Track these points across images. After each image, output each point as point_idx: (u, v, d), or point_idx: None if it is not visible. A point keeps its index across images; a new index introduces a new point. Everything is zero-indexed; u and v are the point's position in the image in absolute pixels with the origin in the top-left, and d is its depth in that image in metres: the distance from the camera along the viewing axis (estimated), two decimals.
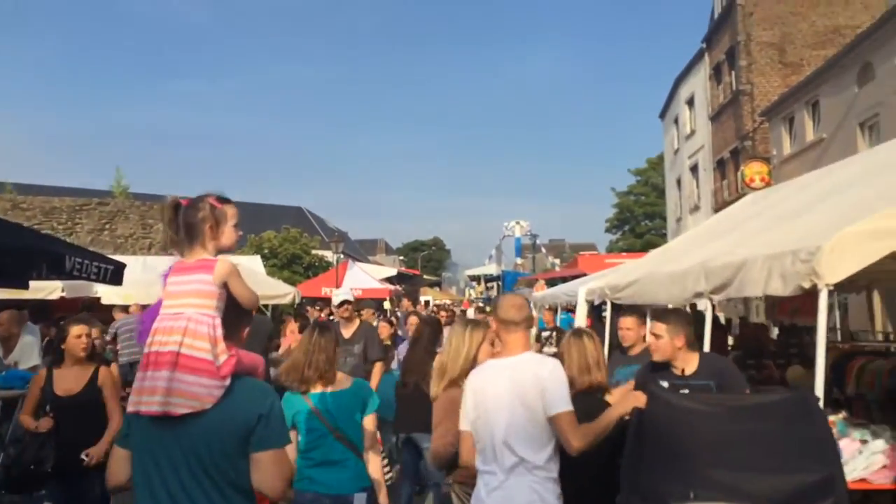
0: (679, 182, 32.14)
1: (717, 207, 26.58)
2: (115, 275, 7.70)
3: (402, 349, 7.84)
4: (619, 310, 11.01)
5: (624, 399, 3.61)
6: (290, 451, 3.38)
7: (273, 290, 16.22)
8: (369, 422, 3.98)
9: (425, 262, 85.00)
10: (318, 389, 3.86)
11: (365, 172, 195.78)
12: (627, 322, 6.14)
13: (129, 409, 2.31)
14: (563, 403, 3.23)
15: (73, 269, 6.80)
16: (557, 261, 68.34)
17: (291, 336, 9.18)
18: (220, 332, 2.32)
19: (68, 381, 4.82)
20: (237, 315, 2.46)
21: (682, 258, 7.57)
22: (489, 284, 56.57)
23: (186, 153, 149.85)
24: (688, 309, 10.41)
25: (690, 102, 30.13)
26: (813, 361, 10.19)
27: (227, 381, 2.29)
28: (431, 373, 4.37)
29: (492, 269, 57.70)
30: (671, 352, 4.18)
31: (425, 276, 60.19)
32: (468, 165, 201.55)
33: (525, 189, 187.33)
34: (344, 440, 3.81)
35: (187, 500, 2.27)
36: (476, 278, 59.56)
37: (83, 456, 4.60)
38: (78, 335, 4.85)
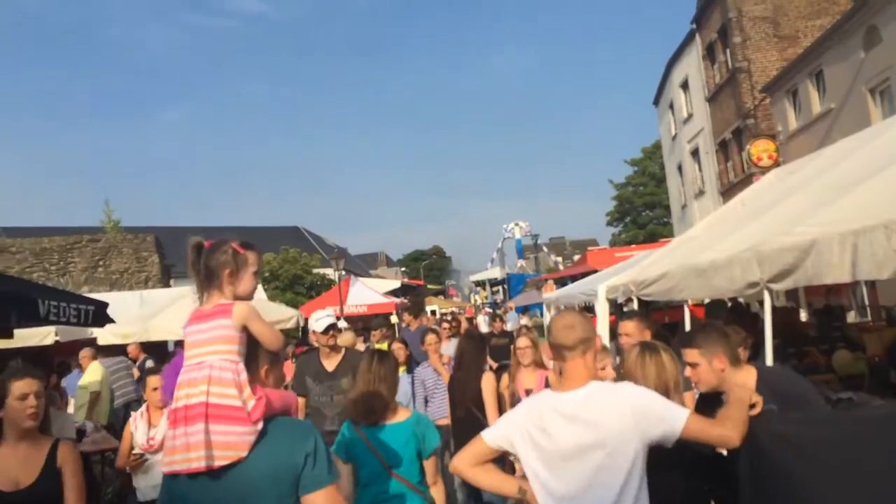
0: (680, 168, 31.46)
1: (724, 190, 25.92)
2: (97, 316, 7.03)
3: (426, 374, 7.09)
4: (647, 307, 10.32)
5: (738, 389, 2.94)
6: (345, 478, 3.48)
7: (275, 314, 15.54)
8: (429, 464, 3.72)
9: (427, 271, 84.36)
10: (374, 422, 3.68)
11: (357, 186, 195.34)
12: (628, 327, 5.15)
13: (165, 470, 2.22)
14: (678, 410, 2.62)
15: (48, 313, 6.14)
16: (560, 259, 67.85)
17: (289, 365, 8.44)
18: (244, 376, 2.26)
19: (11, 467, 3.23)
20: (261, 356, 2.40)
21: (718, 245, 6.87)
22: (494, 288, 56.04)
23: (175, 182, 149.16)
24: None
25: (685, 86, 29.47)
26: (857, 345, 9.47)
27: (260, 426, 2.22)
28: (485, 394, 3.82)
29: (495, 272, 57.20)
30: (716, 378, 3.33)
31: (429, 286, 59.55)
32: (460, 170, 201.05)
33: (521, 190, 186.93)
34: (400, 478, 3.61)
35: None
36: (481, 283, 59.03)
37: None
38: (22, 395, 3.28)
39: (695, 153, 29.14)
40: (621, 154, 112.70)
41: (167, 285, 23.73)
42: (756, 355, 5.71)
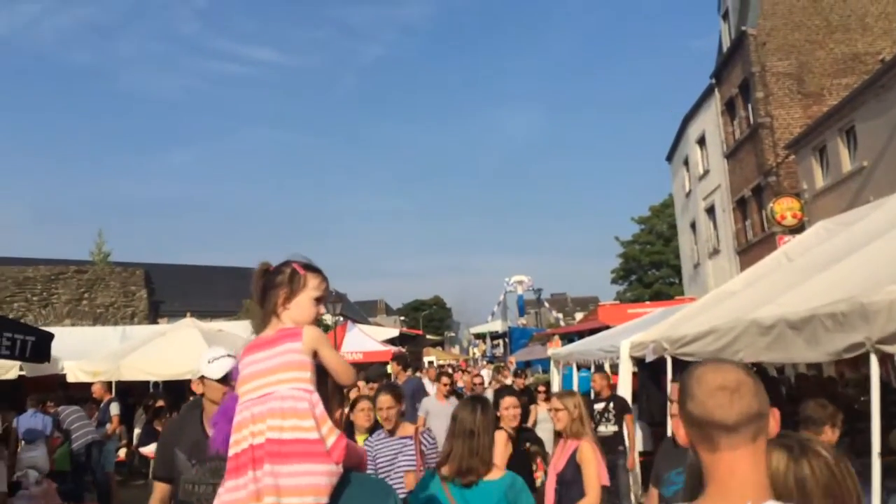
0: (693, 226, 30.47)
1: (741, 249, 24.87)
2: (37, 349, 5.92)
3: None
4: (682, 368, 9.16)
5: None
6: None
7: None
8: None
9: (427, 321, 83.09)
10: (465, 480, 3.25)
11: (360, 236, 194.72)
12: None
13: None
14: None
15: None
16: (561, 315, 66.62)
17: None
18: (322, 408, 1.87)
19: None
20: (330, 393, 1.98)
21: (780, 299, 5.76)
22: (495, 342, 54.67)
23: (173, 223, 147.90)
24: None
25: (702, 141, 28.66)
26: None
27: (340, 469, 1.84)
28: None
29: (497, 325, 55.90)
30: None
31: (428, 336, 58.24)
32: (462, 224, 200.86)
33: (523, 245, 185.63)
34: None
35: None
36: (481, 336, 57.67)
37: None
38: None
39: (710, 210, 28.18)
40: (628, 212, 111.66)
41: (155, 322, 22.60)
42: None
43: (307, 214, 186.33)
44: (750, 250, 24.07)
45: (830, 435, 4.31)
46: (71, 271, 22.68)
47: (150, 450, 9.90)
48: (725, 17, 26.59)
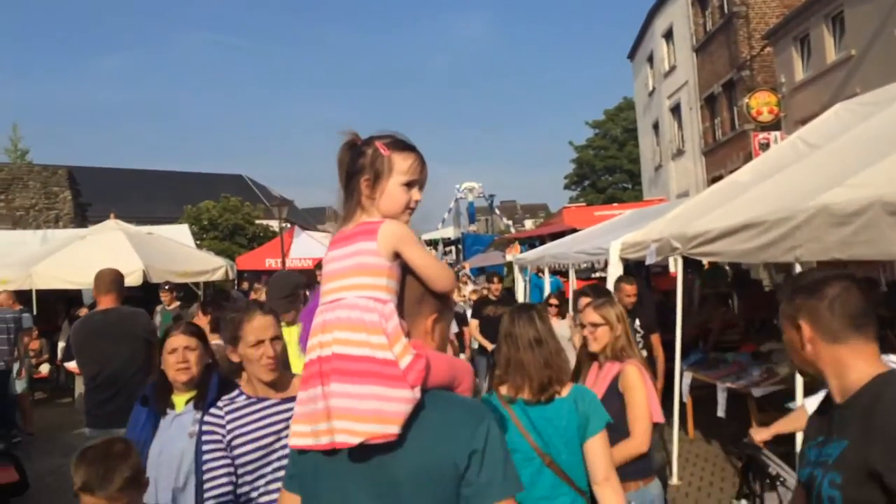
0: (656, 126, 29.33)
1: (708, 150, 23.86)
2: None
3: None
4: (695, 269, 8.08)
5: None
6: None
7: (200, 264, 12.83)
8: (597, 444, 2.75)
9: None
10: (528, 397, 2.81)
11: (307, 145, 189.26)
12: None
13: (293, 443, 1.64)
14: None
15: None
16: (511, 223, 65.97)
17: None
18: (396, 322, 1.57)
19: None
20: (420, 300, 1.69)
21: (856, 179, 4.53)
22: (447, 249, 53.73)
23: (105, 128, 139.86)
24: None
25: (668, 35, 27.15)
26: None
27: (418, 394, 1.54)
28: None
29: (449, 231, 54.90)
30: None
31: None
32: (413, 132, 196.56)
33: (471, 154, 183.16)
34: (556, 469, 2.75)
35: None
36: (433, 242, 56.56)
37: None
38: None
39: (675, 109, 26.98)
40: (583, 117, 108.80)
41: (82, 226, 20.70)
42: None
43: (252, 122, 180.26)
44: (718, 150, 23.07)
45: None
46: None
47: (75, 365, 8.49)
48: None
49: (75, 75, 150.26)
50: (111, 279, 4.82)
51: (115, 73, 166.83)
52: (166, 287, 10.43)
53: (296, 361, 3.54)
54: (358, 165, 1.71)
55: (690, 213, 7.59)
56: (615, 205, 22.43)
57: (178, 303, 10.28)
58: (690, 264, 8.37)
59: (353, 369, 1.54)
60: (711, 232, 5.93)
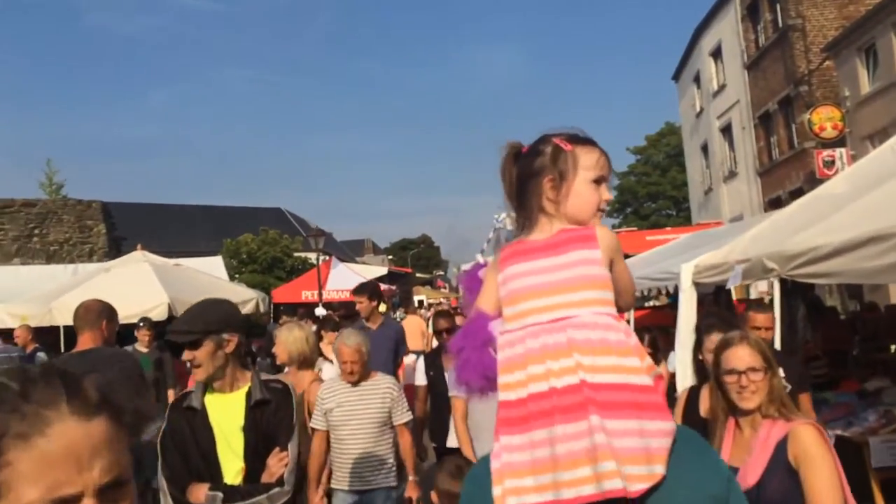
0: (705, 148, 28.16)
1: (764, 170, 22.63)
2: None
3: None
4: (799, 294, 7.05)
5: None
6: None
7: (229, 297, 12.06)
8: None
9: (415, 260, 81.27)
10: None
11: (346, 178, 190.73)
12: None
13: (532, 501, 1.31)
14: None
15: None
16: None
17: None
18: (636, 339, 1.40)
19: None
20: None
21: None
22: None
23: (142, 165, 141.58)
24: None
25: (716, 53, 26.09)
26: None
27: (674, 426, 1.38)
28: None
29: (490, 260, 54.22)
30: None
31: (417, 275, 56.27)
32: (449, 163, 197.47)
33: None
34: None
35: None
36: None
37: None
38: None
39: (726, 130, 25.80)
40: (623, 143, 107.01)
41: (111, 258, 20.26)
42: None
43: (290, 156, 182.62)
44: (775, 170, 21.84)
45: None
46: (18, 205, 20.19)
47: None
48: None
49: (116, 111, 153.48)
50: (96, 313, 4.00)
51: (159, 110, 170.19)
52: (141, 325, 8.57)
53: None
54: (536, 166, 1.56)
55: (780, 229, 6.55)
56: (668, 228, 21.29)
57: (155, 343, 8.42)
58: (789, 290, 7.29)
59: (613, 400, 1.33)
60: (823, 248, 4.91)
